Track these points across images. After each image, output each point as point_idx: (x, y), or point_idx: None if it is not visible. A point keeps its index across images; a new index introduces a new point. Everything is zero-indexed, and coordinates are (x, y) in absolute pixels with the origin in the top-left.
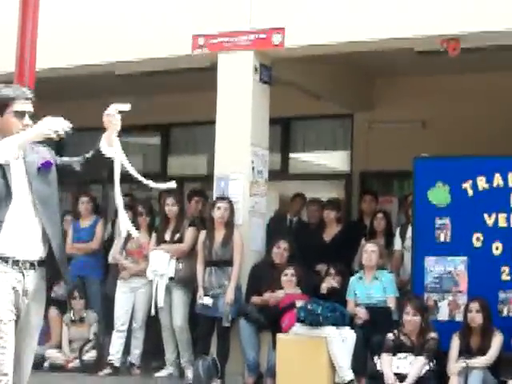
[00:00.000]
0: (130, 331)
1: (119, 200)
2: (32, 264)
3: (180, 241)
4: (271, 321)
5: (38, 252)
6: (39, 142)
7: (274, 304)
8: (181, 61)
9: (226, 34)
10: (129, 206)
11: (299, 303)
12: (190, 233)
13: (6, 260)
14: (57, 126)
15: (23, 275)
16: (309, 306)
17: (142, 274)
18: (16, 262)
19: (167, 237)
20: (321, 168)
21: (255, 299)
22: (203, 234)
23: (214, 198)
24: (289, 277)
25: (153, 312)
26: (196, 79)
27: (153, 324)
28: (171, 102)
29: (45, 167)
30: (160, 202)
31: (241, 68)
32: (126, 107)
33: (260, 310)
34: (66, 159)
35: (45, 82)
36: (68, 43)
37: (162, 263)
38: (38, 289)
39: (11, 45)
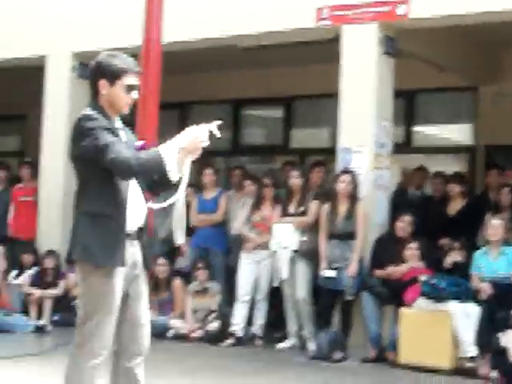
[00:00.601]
0: (252, 302)
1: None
2: (137, 234)
3: (304, 213)
4: (394, 294)
5: (141, 221)
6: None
7: (397, 278)
8: (304, 33)
9: (350, 6)
10: (254, 178)
11: (423, 277)
12: (314, 205)
13: None
14: (205, 135)
15: (134, 246)
16: (432, 281)
17: (265, 246)
18: (128, 235)
19: (291, 209)
20: (444, 141)
21: (378, 272)
22: (327, 206)
23: (338, 171)
24: (412, 251)
25: (276, 284)
26: (319, 51)
27: (275, 295)
28: (294, 74)
29: (141, 150)
30: (284, 175)
31: (365, 40)
32: (218, 134)
33: (383, 283)
34: None
35: (169, 55)
36: (193, 17)
37: (285, 235)
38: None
39: (137, 18)
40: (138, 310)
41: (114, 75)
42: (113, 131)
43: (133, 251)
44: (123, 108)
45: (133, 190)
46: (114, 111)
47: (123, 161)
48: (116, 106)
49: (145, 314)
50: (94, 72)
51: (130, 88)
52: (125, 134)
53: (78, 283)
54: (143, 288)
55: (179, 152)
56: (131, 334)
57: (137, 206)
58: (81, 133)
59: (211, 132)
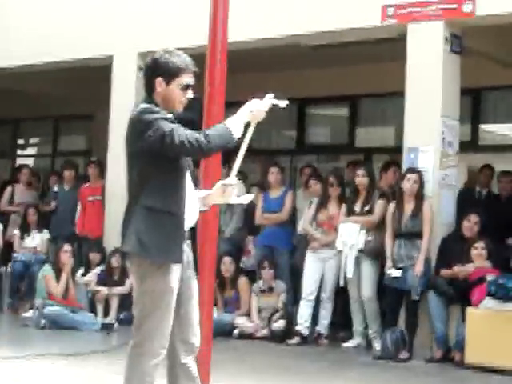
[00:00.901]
0: (318, 301)
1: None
2: (189, 234)
3: (370, 212)
4: (460, 294)
5: (194, 221)
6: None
7: (464, 277)
8: (370, 31)
9: (415, 4)
10: (319, 177)
11: (489, 277)
12: (380, 204)
13: None
14: (265, 107)
15: (187, 245)
16: (499, 280)
17: (331, 245)
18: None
19: (357, 208)
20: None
21: (444, 272)
22: (392, 205)
23: (404, 170)
24: (479, 250)
25: (341, 283)
26: (384, 50)
27: (341, 294)
28: (359, 72)
29: None
30: (348, 174)
31: (431, 38)
32: (283, 103)
33: (449, 282)
34: None
35: (235, 54)
36: (258, 16)
37: (351, 234)
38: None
39: (202, 18)
40: (190, 310)
41: (171, 73)
42: (172, 121)
43: (187, 250)
44: (177, 106)
45: (189, 190)
46: (167, 109)
47: (193, 140)
48: (170, 104)
49: (196, 314)
50: (152, 69)
51: (185, 87)
52: None
53: (134, 281)
54: (195, 288)
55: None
56: (183, 333)
57: (191, 205)
58: (144, 125)
59: (275, 105)
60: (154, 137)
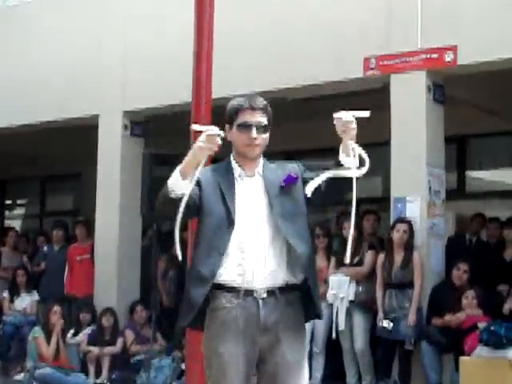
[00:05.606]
0: (310, 355)
1: None
2: (271, 291)
3: (359, 264)
4: (453, 343)
5: (280, 277)
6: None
7: (456, 326)
8: (353, 83)
9: (397, 55)
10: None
11: (481, 325)
12: (369, 256)
13: (232, 290)
14: (207, 139)
15: (258, 305)
16: (491, 328)
17: (321, 298)
18: (249, 292)
19: (346, 259)
20: (499, 186)
21: (436, 321)
22: (382, 256)
23: (393, 220)
24: (469, 299)
25: (333, 335)
26: (368, 100)
27: (333, 347)
28: None
29: (287, 183)
30: (337, 225)
31: (413, 88)
32: (366, 114)
33: (441, 331)
34: (312, 175)
35: (220, 110)
36: (241, 71)
37: (341, 286)
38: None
39: (186, 76)
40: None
41: (230, 116)
42: None
43: (254, 310)
44: (244, 150)
45: (264, 244)
46: (240, 156)
47: None
48: (239, 150)
49: None
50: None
51: (244, 126)
52: (264, 176)
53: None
54: (288, 356)
55: None
56: None
57: (267, 260)
58: None
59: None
60: None
